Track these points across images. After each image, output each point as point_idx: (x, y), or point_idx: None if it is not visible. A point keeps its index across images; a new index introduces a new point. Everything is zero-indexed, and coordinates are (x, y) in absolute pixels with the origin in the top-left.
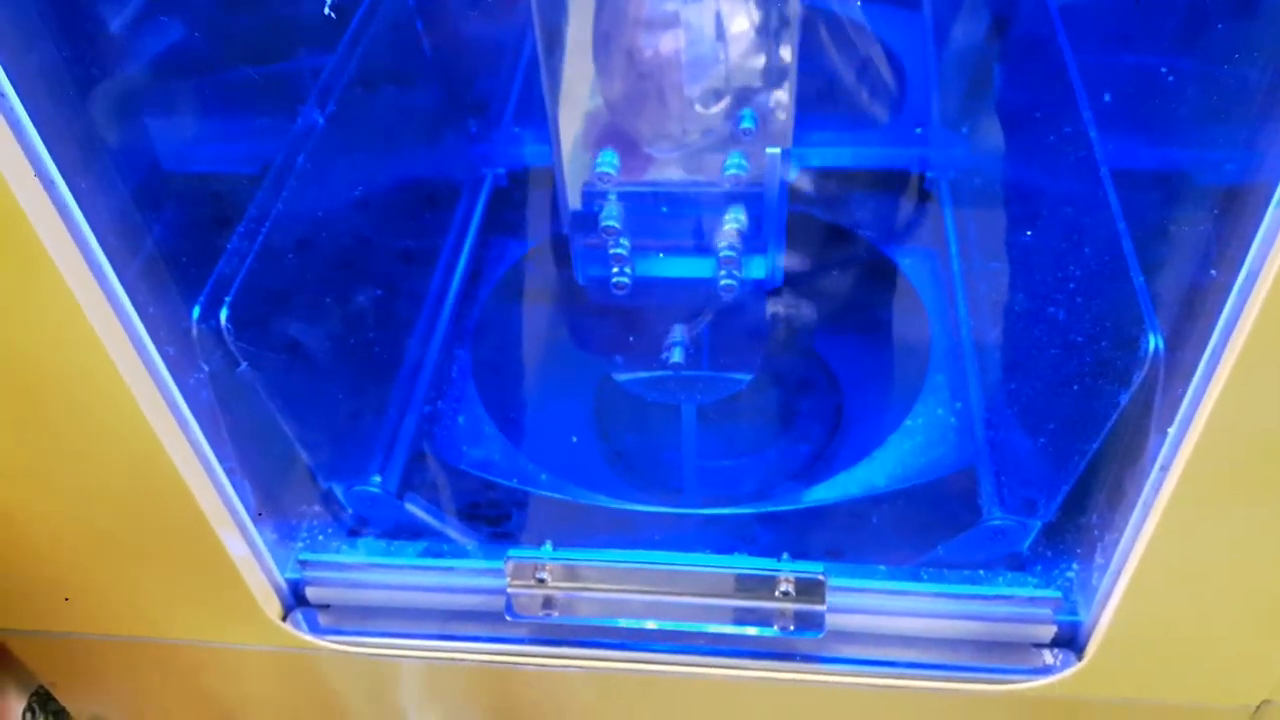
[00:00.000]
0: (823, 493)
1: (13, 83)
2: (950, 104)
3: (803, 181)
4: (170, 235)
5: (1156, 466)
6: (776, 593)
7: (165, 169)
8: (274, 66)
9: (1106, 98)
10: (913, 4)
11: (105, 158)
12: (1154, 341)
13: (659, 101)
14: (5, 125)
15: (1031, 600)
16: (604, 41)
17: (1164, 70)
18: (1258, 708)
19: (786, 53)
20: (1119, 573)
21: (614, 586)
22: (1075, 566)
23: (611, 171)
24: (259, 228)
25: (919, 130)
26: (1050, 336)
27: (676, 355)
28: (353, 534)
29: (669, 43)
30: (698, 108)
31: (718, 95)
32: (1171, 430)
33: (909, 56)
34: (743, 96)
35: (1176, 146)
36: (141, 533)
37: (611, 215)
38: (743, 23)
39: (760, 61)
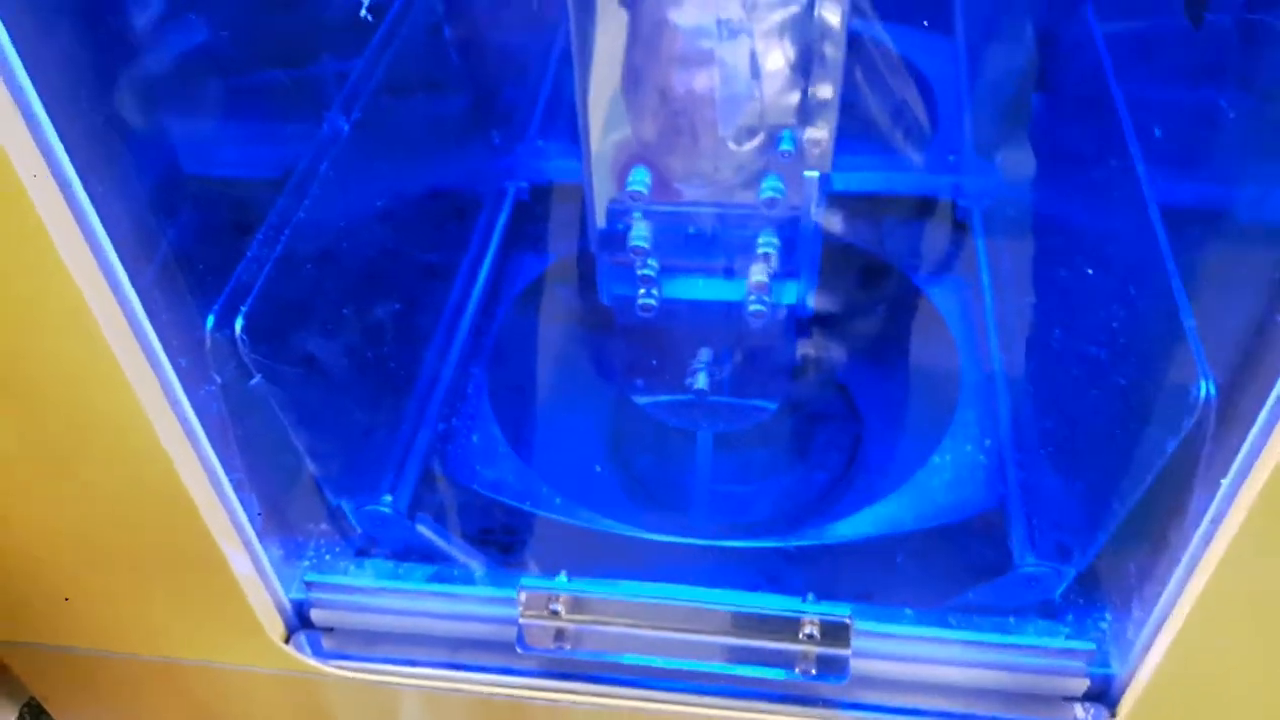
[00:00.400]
0: (847, 528)
1: (31, 79)
2: (984, 131)
3: (831, 207)
4: (187, 241)
5: (1207, 519)
6: (800, 635)
7: (185, 173)
8: (300, 70)
9: (1157, 133)
10: (946, 28)
11: (123, 160)
12: (1206, 388)
13: (692, 139)
14: (22, 123)
15: (1064, 652)
16: (635, 76)
17: (1220, 103)
18: None
19: (827, 89)
20: (1159, 626)
21: (630, 621)
22: (1109, 615)
23: (643, 190)
24: (278, 235)
25: (951, 158)
26: (1090, 377)
27: (701, 381)
28: (361, 554)
29: (703, 81)
30: (732, 145)
31: (753, 132)
32: (1225, 481)
33: (941, 82)
34: (780, 127)
35: (1231, 183)
36: (143, 546)
37: (640, 235)
38: (778, 59)
39: (796, 98)
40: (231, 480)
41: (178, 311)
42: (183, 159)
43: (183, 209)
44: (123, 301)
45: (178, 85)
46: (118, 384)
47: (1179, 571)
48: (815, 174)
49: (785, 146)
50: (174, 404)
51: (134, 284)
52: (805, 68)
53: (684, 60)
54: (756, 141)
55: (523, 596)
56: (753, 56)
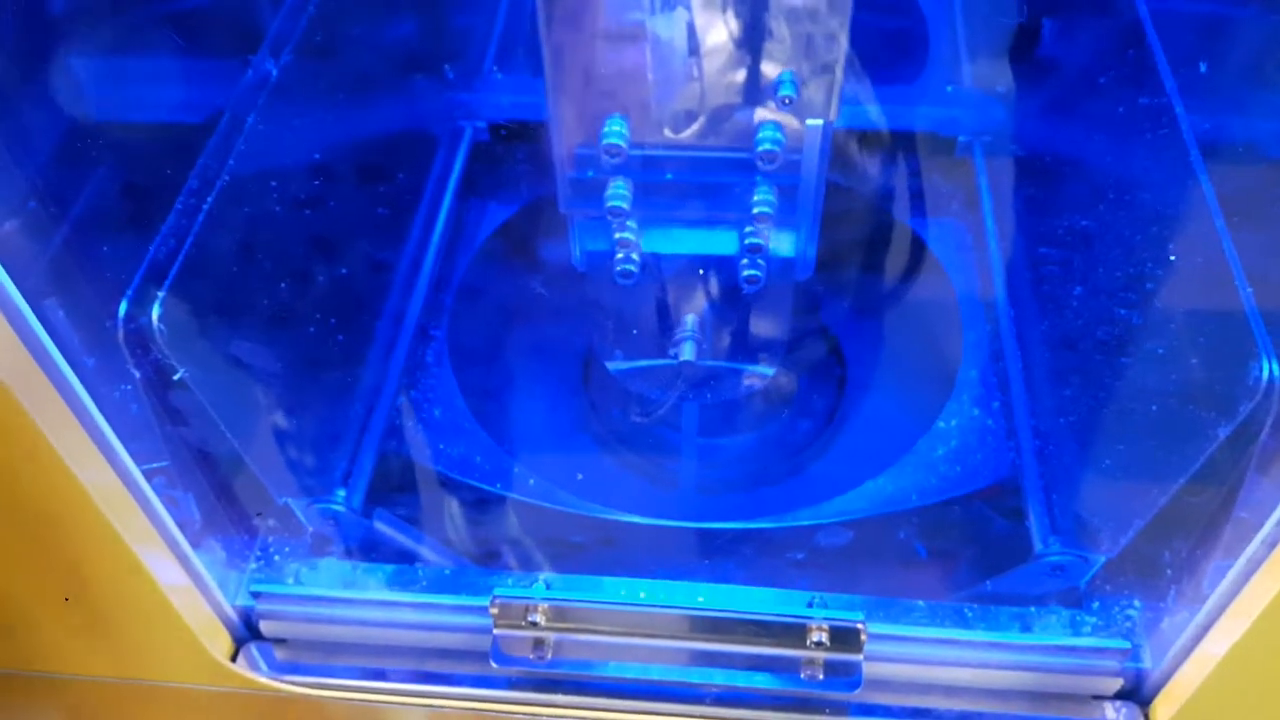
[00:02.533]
0: (847, 504)
1: None
2: (985, 59)
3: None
4: (88, 214)
5: (1274, 520)
6: (809, 641)
7: (89, 120)
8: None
9: (1203, 68)
10: None
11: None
12: (1269, 368)
13: (668, 77)
14: None
15: (1095, 650)
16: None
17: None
18: None
19: (834, 21)
20: (1205, 629)
21: (615, 629)
22: (1138, 604)
23: (621, 144)
24: (200, 203)
25: (950, 89)
26: (1120, 343)
27: (686, 351)
28: (314, 552)
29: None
30: (720, 84)
31: (745, 73)
32: None
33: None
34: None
35: None
36: (59, 561)
37: (619, 194)
38: None
39: (795, 35)
40: (158, 482)
41: (77, 302)
42: (78, 103)
43: (79, 173)
44: None
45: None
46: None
47: (1238, 569)
48: (819, 123)
49: (785, 91)
50: (76, 411)
51: (10, 271)
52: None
53: None
54: (747, 90)
55: (497, 607)
56: None
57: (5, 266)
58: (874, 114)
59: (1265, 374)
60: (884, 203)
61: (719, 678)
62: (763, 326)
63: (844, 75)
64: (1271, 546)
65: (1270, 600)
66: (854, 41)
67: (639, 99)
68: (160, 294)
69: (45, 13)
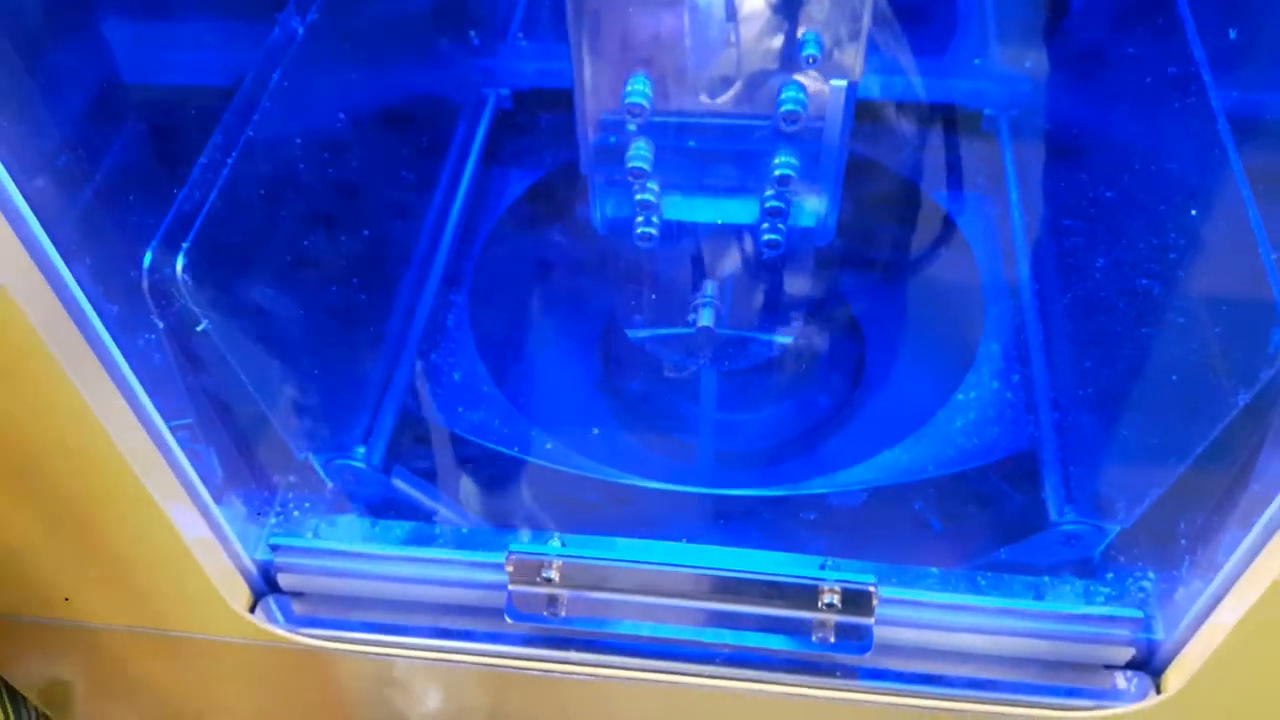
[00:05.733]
0: (862, 474)
1: None
2: (1013, 31)
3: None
4: (115, 169)
5: None
6: (820, 604)
7: (115, 82)
8: None
9: (1231, 34)
10: None
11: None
12: None
13: (699, 40)
14: None
15: (1108, 619)
16: None
17: None
18: None
19: None
20: (1218, 599)
21: (629, 587)
22: (1152, 575)
23: (643, 103)
24: (225, 157)
25: (977, 61)
26: (1141, 313)
27: (705, 318)
28: (333, 509)
29: None
30: (746, 48)
31: (771, 33)
32: None
33: None
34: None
35: None
36: (86, 513)
37: (640, 154)
38: None
39: None
40: (182, 436)
41: (105, 251)
42: (117, 65)
43: (109, 132)
44: (28, 243)
45: None
46: (31, 342)
47: (1250, 540)
48: (843, 83)
49: (810, 51)
50: (102, 358)
51: (44, 222)
52: None
53: None
54: (774, 49)
55: (512, 563)
56: None
57: (40, 219)
58: (901, 86)
59: None
60: (909, 175)
61: (731, 638)
62: (783, 293)
63: (871, 46)
64: (1273, 529)
65: (1257, 576)
66: (883, 12)
67: (661, 60)
68: (185, 245)
69: None
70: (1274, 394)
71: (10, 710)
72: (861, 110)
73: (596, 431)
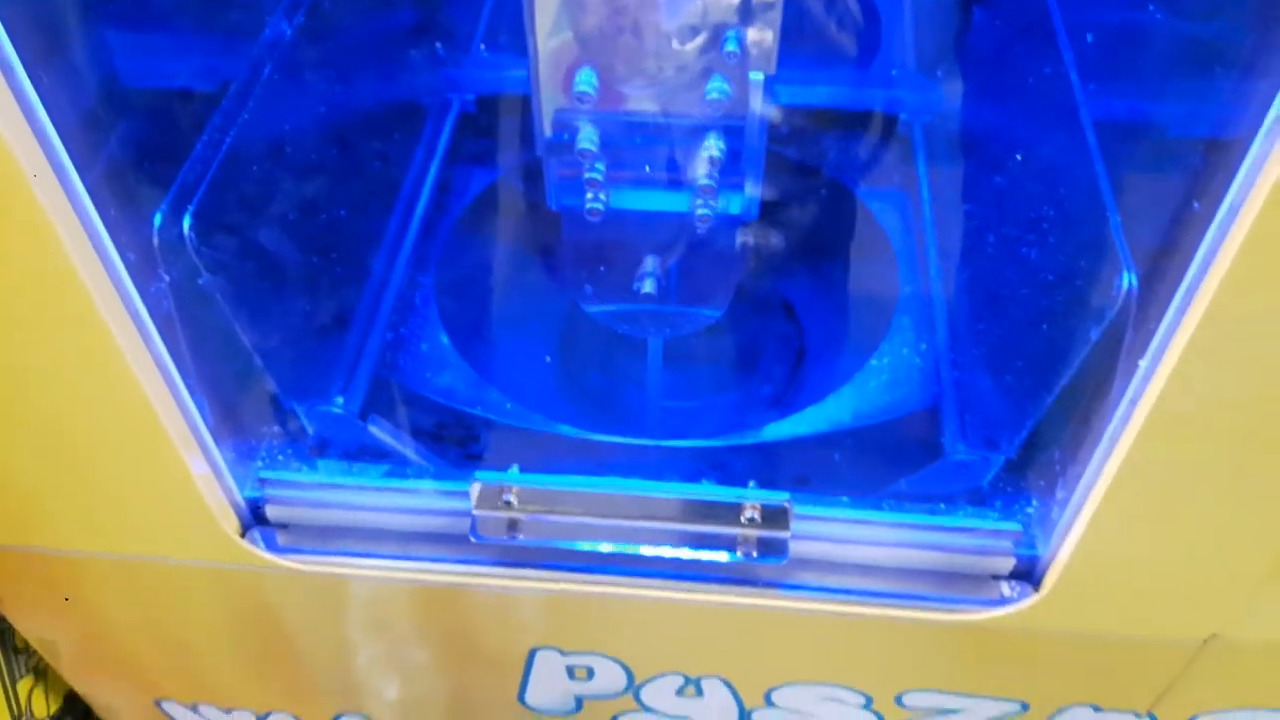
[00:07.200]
0: (788, 427)
1: None
2: (926, 46)
3: (775, 118)
4: (134, 138)
5: (1125, 400)
6: (742, 519)
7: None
8: None
9: (1089, 38)
10: None
11: (70, 51)
12: (1128, 279)
13: (636, 38)
14: None
15: (992, 533)
16: None
17: (1149, 17)
18: (1205, 641)
19: None
20: (1080, 506)
21: (580, 510)
22: (1035, 502)
23: (590, 91)
24: (224, 136)
25: (895, 73)
26: (1022, 276)
27: (648, 286)
28: (314, 454)
29: None
30: (675, 44)
31: (696, 31)
32: (1143, 363)
33: None
34: (724, 28)
35: (1156, 98)
36: (96, 445)
37: (588, 138)
38: None
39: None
40: (184, 379)
41: (126, 207)
42: (126, 65)
43: (131, 106)
44: (70, 192)
45: None
46: (69, 278)
47: (1099, 452)
48: (760, 77)
49: (730, 47)
50: (124, 298)
51: (83, 177)
52: None
53: None
54: (700, 41)
55: (476, 489)
56: None
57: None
58: (830, 95)
59: (1125, 284)
60: (834, 174)
61: (668, 553)
62: (718, 268)
63: (804, 59)
64: (1122, 427)
65: (1113, 477)
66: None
67: (605, 55)
68: (191, 206)
69: None
70: (1117, 334)
71: (1, 657)
72: (793, 116)
73: (549, 359)
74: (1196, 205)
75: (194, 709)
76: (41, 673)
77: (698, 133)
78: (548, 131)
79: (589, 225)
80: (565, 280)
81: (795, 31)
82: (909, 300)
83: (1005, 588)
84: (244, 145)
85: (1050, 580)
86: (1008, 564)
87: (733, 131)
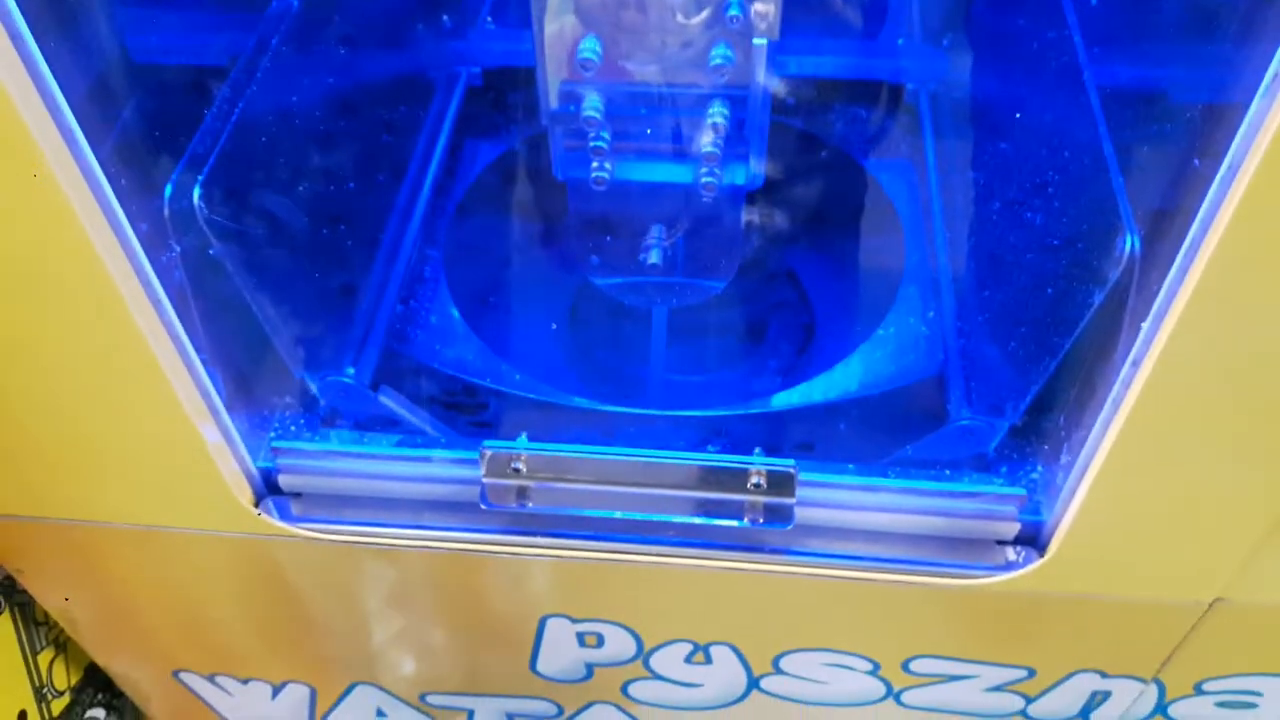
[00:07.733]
0: (795, 396)
1: None
2: (931, 15)
3: (780, 90)
4: (144, 113)
5: (1129, 362)
6: (748, 485)
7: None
8: None
9: (1093, 2)
10: None
11: (82, 24)
12: (1131, 241)
13: (640, 9)
14: None
15: (997, 498)
16: None
17: None
18: (1210, 604)
19: None
20: (1084, 470)
21: (589, 477)
22: (1040, 468)
23: (594, 59)
24: (233, 108)
25: (901, 42)
26: (1027, 242)
27: (654, 257)
28: (325, 425)
29: None
30: (679, 17)
31: (700, 4)
32: (1145, 325)
33: None
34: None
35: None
36: (116, 416)
37: (593, 106)
38: None
39: None
40: (197, 351)
41: (137, 178)
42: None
43: (142, 77)
44: (82, 163)
45: None
46: (83, 251)
47: (1103, 415)
48: (763, 42)
49: (733, 13)
50: (137, 268)
51: (94, 149)
52: None
53: None
54: (704, 16)
55: (486, 457)
56: None
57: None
58: (834, 64)
59: (1128, 246)
60: (840, 143)
61: (676, 519)
62: (723, 235)
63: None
64: (1124, 390)
65: (1115, 440)
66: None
67: (612, 35)
68: (201, 177)
69: None
70: (1120, 298)
71: (23, 629)
72: (799, 86)
73: (555, 326)
74: (1197, 162)
75: (211, 679)
76: (62, 645)
77: (702, 102)
78: (553, 103)
79: (595, 197)
80: (572, 252)
81: (801, 0)
82: (915, 269)
83: (1010, 553)
84: (253, 117)
85: (1055, 545)
86: (1013, 529)
87: (737, 99)
